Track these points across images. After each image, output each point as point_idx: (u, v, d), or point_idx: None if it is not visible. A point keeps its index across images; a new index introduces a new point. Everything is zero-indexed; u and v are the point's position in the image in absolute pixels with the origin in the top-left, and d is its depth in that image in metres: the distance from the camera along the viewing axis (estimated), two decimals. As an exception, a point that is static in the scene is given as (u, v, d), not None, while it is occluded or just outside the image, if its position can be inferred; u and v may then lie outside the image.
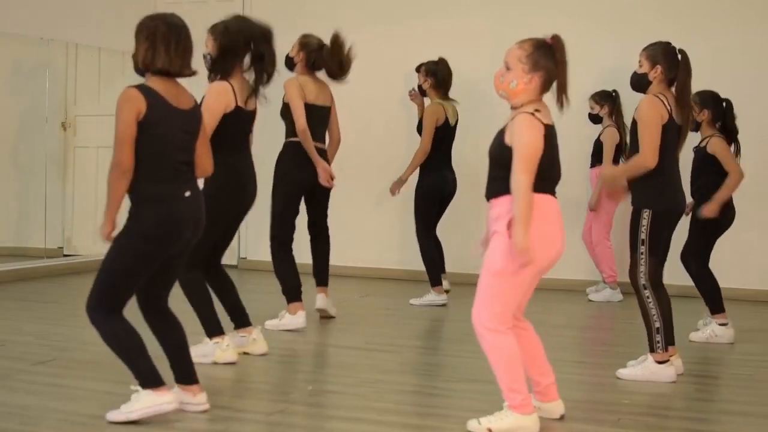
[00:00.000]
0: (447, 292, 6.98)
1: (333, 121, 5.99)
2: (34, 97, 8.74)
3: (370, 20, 8.01)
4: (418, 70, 6.93)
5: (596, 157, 7.13)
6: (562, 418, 3.78)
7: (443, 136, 6.78)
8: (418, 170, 6.88)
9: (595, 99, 7.10)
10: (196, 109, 3.77)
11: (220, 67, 4.71)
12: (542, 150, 3.46)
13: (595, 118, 7.15)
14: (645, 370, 4.50)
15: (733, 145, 5.55)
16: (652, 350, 4.50)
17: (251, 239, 8.53)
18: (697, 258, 5.55)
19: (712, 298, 5.57)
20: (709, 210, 5.34)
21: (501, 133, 3.55)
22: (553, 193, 3.57)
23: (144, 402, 3.54)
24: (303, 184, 5.81)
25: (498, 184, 3.53)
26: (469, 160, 7.11)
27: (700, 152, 5.51)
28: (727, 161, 5.42)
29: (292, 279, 5.75)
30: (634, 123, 4.49)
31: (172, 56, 3.57)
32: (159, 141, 3.56)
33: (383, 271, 8.10)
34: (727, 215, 5.49)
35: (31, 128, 8.79)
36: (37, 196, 8.61)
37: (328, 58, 5.73)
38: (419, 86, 6.94)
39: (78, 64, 8.92)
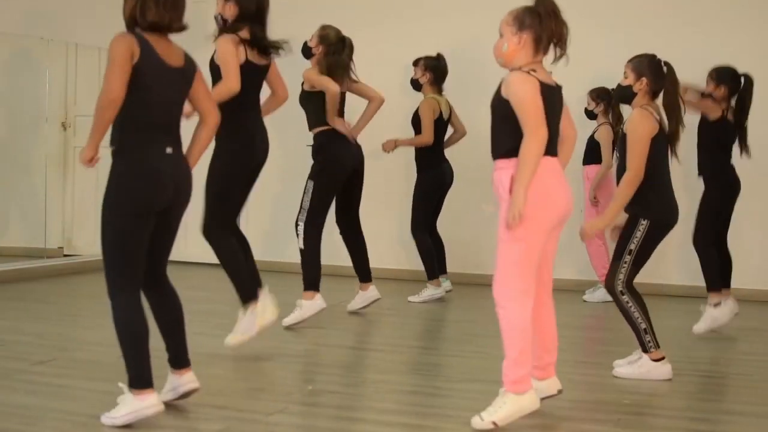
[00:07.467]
0: (448, 292, 7.00)
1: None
2: (34, 97, 8.72)
3: (368, 16, 8.00)
4: (416, 63, 6.95)
5: (590, 155, 7.04)
6: (559, 392, 3.86)
7: (438, 130, 6.83)
8: (415, 167, 6.95)
9: (593, 96, 7.05)
10: (189, 66, 3.68)
11: (232, 30, 4.81)
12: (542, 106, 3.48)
13: (590, 114, 7.09)
14: (641, 368, 4.52)
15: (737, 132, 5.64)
16: (645, 351, 4.52)
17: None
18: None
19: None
20: None
21: (498, 88, 3.61)
22: (552, 153, 3.58)
23: (127, 408, 3.54)
24: (347, 170, 5.96)
25: (502, 140, 3.57)
26: (470, 159, 7.07)
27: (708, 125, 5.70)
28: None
29: (318, 268, 5.82)
30: (624, 136, 4.47)
31: (161, 10, 3.50)
32: (144, 92, 3.48)
33: (383, 270, 8.09)
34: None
35: (31, 128, 8.78)
36: (37, 196, 8.60)
37: (346, 56, 5.86)
38: (414, 80, 6.94)
39: (78, 64, 8.90)
